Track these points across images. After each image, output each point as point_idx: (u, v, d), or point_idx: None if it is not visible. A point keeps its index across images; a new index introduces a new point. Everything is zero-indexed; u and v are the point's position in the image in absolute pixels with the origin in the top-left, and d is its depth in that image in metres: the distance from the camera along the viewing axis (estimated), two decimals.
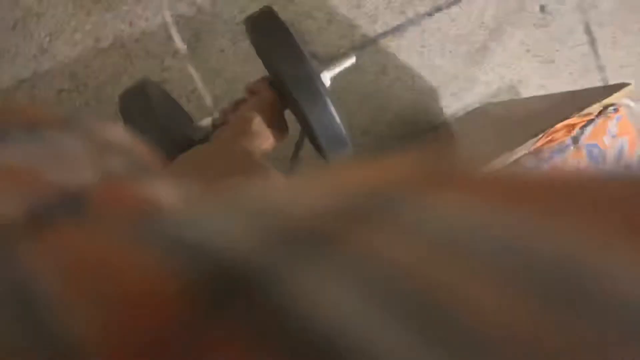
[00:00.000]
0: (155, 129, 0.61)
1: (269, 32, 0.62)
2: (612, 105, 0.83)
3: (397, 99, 1.28)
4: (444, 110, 1.32)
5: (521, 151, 0.80)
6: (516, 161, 0.80)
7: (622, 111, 0.83)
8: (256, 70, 1.16)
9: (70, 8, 1.03)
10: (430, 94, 1.31)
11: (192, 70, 1.11)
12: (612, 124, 0.82)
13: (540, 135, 0.80)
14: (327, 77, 0.69)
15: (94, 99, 1.06)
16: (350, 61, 0.70)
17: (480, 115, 1.26)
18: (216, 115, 0.71)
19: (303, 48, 0.61)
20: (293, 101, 0.61)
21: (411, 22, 1.26)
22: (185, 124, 0.75)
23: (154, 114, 0.62)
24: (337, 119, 0.62)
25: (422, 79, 1.30)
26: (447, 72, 1.31)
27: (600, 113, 0.82)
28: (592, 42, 1.40)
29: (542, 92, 1.38)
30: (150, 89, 0.67)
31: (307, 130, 0.64)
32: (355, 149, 1.26)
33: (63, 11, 1.03)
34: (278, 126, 0.66)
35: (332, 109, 0.61)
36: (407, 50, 1.27)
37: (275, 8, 1.18)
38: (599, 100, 0.83)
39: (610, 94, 0.83)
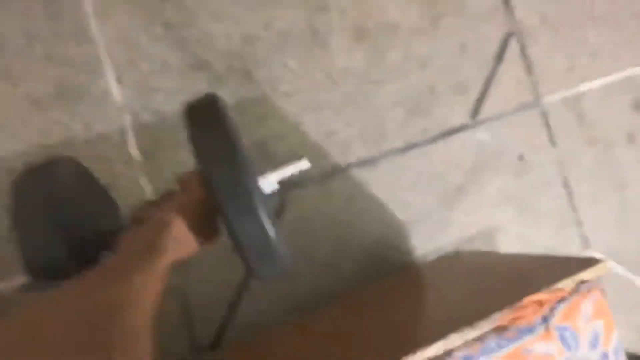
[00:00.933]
0: (54, 229, 0.50)
1: (202, 121, 0.53)
2: (585, 282, 0.74)
3: (364, 232, 1.20)
4: (414, 250, 1.23)
5: (484, 326, 0.69)
6: (478, 338, 0.68)
7: (596, 291, 0.74)
8: None
9: (24, 103, 0.98)
10: (400, 231, 1.23)
11: (143, 180, 1.04)
12: (586, 304, 0.73)
13: (505, 311, 0.70)
14: (272, 179, 0.60)
15: None
16: (302, 164, 0.62)
17: (452, 262, 1.17)
18: (137, 210, 0.60)
19: (241, 148, 0.51)
20: (218, 204, 0.50)
21: (384, 155, 1.22)
22: (102, 213, 0.63)
23: (55, 207, 0.52)
24: (270, 233, 0.50)
25: (392, 214, 1.22)
26: (420, 210, 1.24)
27: (573, 291, 0.73)
28: (570, 195, 1.37)
29: (520, 242, 1.31)
30: (56, 169, 0.56)
31: (234, 243, 0.53)
32: (312, 283, 1.16)
33: (15, 104, 0.98)
34: (207, 229, 0.56)
35: (264, 222, 0.49)
36: (377, 182, 1.21)
37: (247, 128, 1.16)
38: (571, 275, 0.74)
39: (584, 269, 0.75)
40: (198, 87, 1.08)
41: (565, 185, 1.36)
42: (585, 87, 1.38)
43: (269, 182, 0.60)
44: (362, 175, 1.20)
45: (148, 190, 1.04)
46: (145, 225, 0.54)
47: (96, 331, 0.33)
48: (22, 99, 0.99)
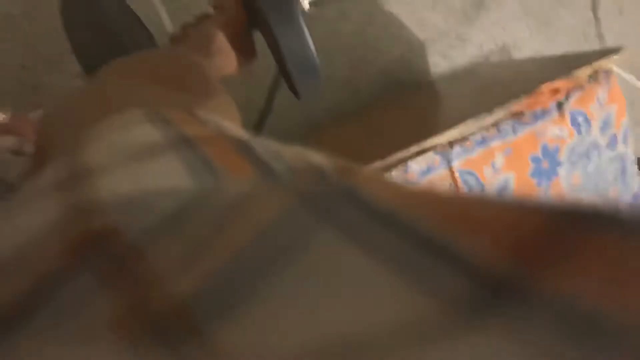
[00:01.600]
0: (102, 34, 0.53)
1: None
2: (603, 70, 0.76)
3: (381, 52, 1.20)
4: (431, 69, 1.24)
5: (500, 112, 0.73)
6: (495, 123, 0.73)
7: (614, 78, 0.76)
8: None
9: None
10: (418, 50, 1.23)
11: (160, 6, 1.02)
12: (602, 90, 0.76)
13: (522, 97, 0.73)
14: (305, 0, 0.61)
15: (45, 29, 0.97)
16: None
17: (466, 75, 1.19)
18: (175, 30, 0.62)
19: None
20: (263, 20, 0.52)
21: None
22: (141, 37, 0.66)
23: (104, 17, 0.54)
24: (311, 46, 0.53)
25: (411, 33, 1.21)
26: (438, 27, 1.22)
27: (589, 78, 0.76)
28: (596, 8, 1.32)
29: None
30: None
31: (277, 56, 0.56)
32: (330, 101, 1.19)
33: None
34: (245, 48, 0.57)
35: (306, 34, 0.52)
36: (396, 0, 1.17)
37: None
38: (590, 63, 0.76)
39: (603, 57, 0.76)
40: None
41: None
42: None
43: (303, 1, 0.60)
44: None
45: (164, 17, 1.03)
46: (188, 39, 0.55)
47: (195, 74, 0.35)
48: None
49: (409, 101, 1.15)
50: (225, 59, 0.55)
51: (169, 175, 0.12)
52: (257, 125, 1.13)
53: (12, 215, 0.12)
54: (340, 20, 1.14)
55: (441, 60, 1.24)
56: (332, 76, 1.17)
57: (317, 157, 0.12)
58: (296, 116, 1.15)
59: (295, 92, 0.59)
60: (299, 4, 0.53)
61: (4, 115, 0.39)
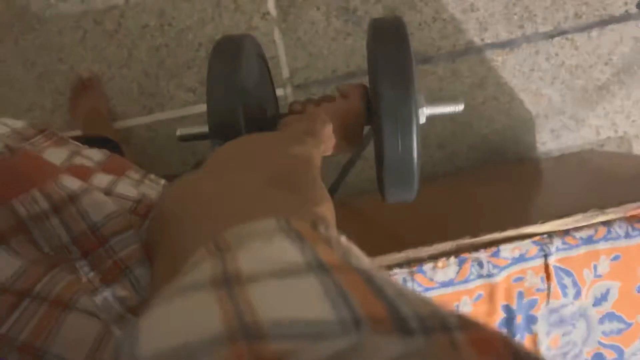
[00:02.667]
0: (234, 85, 0.56)
1: (389, 41, 0.54)
2: None
3: (488, 119, 1.15)
4: (538, 146, 1.17)
5: (614, 213, 0.66)
6: (606, 222, 0.66)
7: None
8: (342, 52, 1.10)
9: None
10: (526, 123, 1.16)
11: (277, 35, 1.06)
12: None
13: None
14: (425, 113, 0.60)
15: (174, 41, 1.05)
16: (458, 107, 0.60)
17: (577, 160, 1.10)
18: (297, 101, 0.64)
19: (413, 71, 0.52)
20: (378, 121, 0.52)
21: (526, 39, 1.11)
22: (265, 94, 0.68)
23: (240, 67, 0.57)
24: (415, 163, 0.53)
25: (522, 105, 1.15)
26: (553, 104, 1.15)
27: None
28: None
29: None
30: (249, 46, 0.61)
31: (379, 158, 0.55)
32: (425, 162, 1.16)
33: None
34: (352, 138, 0.59)
35: (415, 151, 0.51)
36: (512, 69, 1.13)
37: None
38: None
39: None
40: None
41: None
42: None
43: (423, 114, 0.59)
44: (498, 58, 1.12)
45: (281, 46, 1.07)
46: (304, 116, 0.56)
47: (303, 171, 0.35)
48: None
49: (509, 175, 1.08)
50: (332, 145, 0.56)
51: (312, 302, 0.13)
52: (334, 184, 1.11)
53: (173, 303, 0.13)
54: (450, 79, 1.12)
55: (550, 139, 1.17)
56: (431, 134, 1.13)
57: (439, 306, 0.13)
58: None
59: (382, 194, 0.58)
60: (417, 119, 0.52)
61: (101, 154, 0.40)
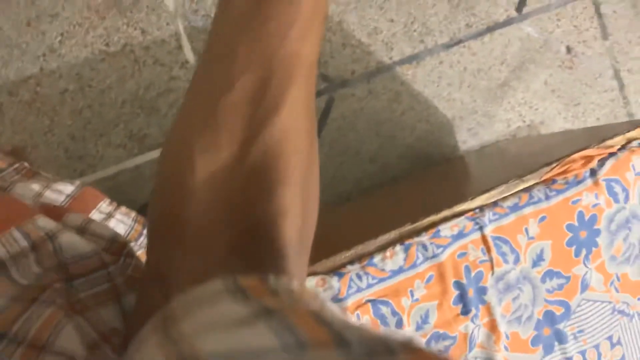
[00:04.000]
0: None
1: None
2: (636, 139, 0.75)
3: (410, 128, 1.23)
4: (459, 145, 1.26)
5: (531, 179, 0.73)
6: (526, 189, 0.72)
7: None
8: None
9: (85, 12, 1.04)
10: (445, 127, 1.25)
11: None
12: (636, 159, 0.74)
13: (554, 164, 0.73)
14: None
15: (96, 101, 1.05)
16: None
17: (496, 150, 1.19)
18: None
19: None
20: None
21: (429, 52, 1.22)
22: None
23: None
24: None
25: (438, 111, 1.24)
26: (465, 106, 1.26)
27: (623, 146, 0.75)
28: (622, 88, 1.34)
29: None
30: None
31: None
32: (359, 177, 1.21)
33: (78, 14, 1.04)
34: None
35: None
36: (423, 80, 1.22)
37: None
38: (622, 133, 0.75)
39: (635, 127, 0.76)
40: None
41: (617, 77, 1.33)
42: None
43: None
44: (407, 72, 1.22)
45: None
46: None
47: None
48: (83, 7, 1.05)
49: (438, 175, 1.15)
50: None
51: (255, 335, 0.13)
52: None
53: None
54: (368, 98, 1.19)
55: (469, 137, 1.26)
56: (361, 151, 1.19)
57: (387, 335, 0.14)
58: (326, 190, 1.17)
59: None
60: None
61: (73, 187, 0.40)
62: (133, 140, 1.07)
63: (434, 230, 0.67)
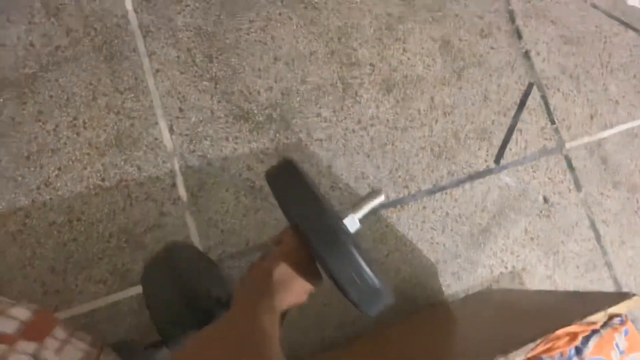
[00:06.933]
0: (178, 299, 0.57)
1: (286, 183, 0.58)
2: (618, 315, 0.77)
3: (395, 270, 1.24)
4: (443, 288, 1.26)
5: (516, 356, 0.72)
6: None
7: (630, 324, 0.76)
8: (254, 226, 1.16)
9: (86, 148, 1.09)
10: (430, 270, 1.26)
11: (189, 218, 1.11)
12: (619, 337, 0.75)
13: (538, 341, 0.72)
14: (354, 219, 0.63)
15: (83, 234, 1.05)
16: (379, 199, 0.64)
17: (481, 299, 1.19)
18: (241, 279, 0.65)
19: (321, 197, 0.56)
20: (311, 246, 0.54)
21: (413, 197, 1.27)
22: (211, 281, 0.69)
23: (177, 283, 0.58)
24: (365, 269, 0.52)
25: (422, 254, 1.26)
26: (448, 250, 1.28)
27: (605, 323, 0.76)
28: (598, 238, 1.39)
29: (548, 283, 1.32)
30: (174, 254, 0.63)
31: (337, 286, 0.56)
32: (341, 320, 1.19)
33: (79, 150, 1.08)
34: (309, 274, 0.59)
35: (358, 260, 0.52)
36: (407, 223, 1.26)
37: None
38: (604, 308, 0.77)
39: (616, 303, 0.78)
40: (241, 135, 1.17)
41: (593, 227, 1.38)
42: (607, 132, 1.44)
43: (352, 221, 0.64)
44: (392, 215, 1.25)
45: (192, 227, 1.11)
46: (253, 274, 0.58)
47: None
48: (84, 144, 1.09)
49: (423, 319, 1.14)
50: (287, 289, 0.56)
51: None
52: None
53: None
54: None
55: (453, 281, 1.27)
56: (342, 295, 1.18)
57: None
58: (308, 332, 1.13)
59: (363, 311, 0.57)
60: (345, 233, 0.53)
61: (29, 313, 0.40)
62: (115, 275, 1.05)
63: None
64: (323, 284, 0.62)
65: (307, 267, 0.59)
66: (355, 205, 0.65)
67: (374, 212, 1.24)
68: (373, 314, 0.57)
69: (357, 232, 0.63)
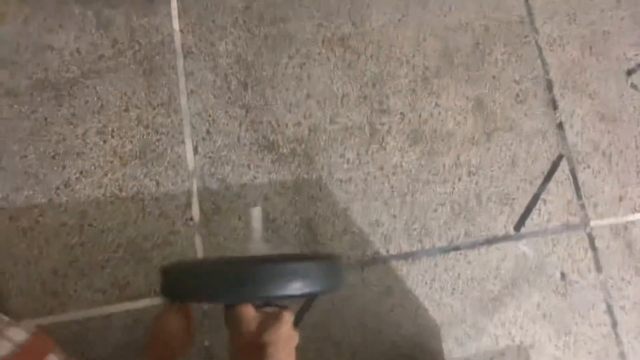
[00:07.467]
0: None
1: (184, 281, 0.60)
2: None
3: (396, 326, 1.20)
4: (444, 353, 1.21)
5: None
6: None
7: None
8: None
9: (110, 156, 1.11)
10: (433, 332, 1.22)
11: (198, 240, 1.11)
12: None
13: None
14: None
15: (91, 240, 1.05)
16: (257, 214, 0.67)
17: None
18: None
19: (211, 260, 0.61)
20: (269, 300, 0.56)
21: (426, 252, 1.24)
22: None
23: None
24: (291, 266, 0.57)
25: (427, 313, 1.22)
26: (455, 313, 1.24)
27: None
28: (614, 324, 1.32)
29: None
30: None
31: (300, 298, 0.59)
32: None
33: (102, 157, 1.10)
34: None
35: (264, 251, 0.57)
36: (415, 278, 1.23)
37: (300, 205, 1.23)
38: None
39: None
40: (263, 164, 1.17)
41: (609, 312, 1.32)
42: (635, 217, 1.39)
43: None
44: (402, 268, 1.22)
45: (200, 250, 1.11)
46: None
47: None
48: (109, 152, 1.11)
49: None
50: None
51: None
52: None
53: None
54: (360, 287, 1.19)
55: (455, 347, 1.22)
56: (343, 342, 1.15)
57: None
58: None
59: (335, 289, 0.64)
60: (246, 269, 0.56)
61: (25, 334, 0.39)
62: (115, 286, 1.04)
63: None
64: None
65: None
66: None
67: (383, 261, 1.21)
68: (339, 284, 0.61)
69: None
